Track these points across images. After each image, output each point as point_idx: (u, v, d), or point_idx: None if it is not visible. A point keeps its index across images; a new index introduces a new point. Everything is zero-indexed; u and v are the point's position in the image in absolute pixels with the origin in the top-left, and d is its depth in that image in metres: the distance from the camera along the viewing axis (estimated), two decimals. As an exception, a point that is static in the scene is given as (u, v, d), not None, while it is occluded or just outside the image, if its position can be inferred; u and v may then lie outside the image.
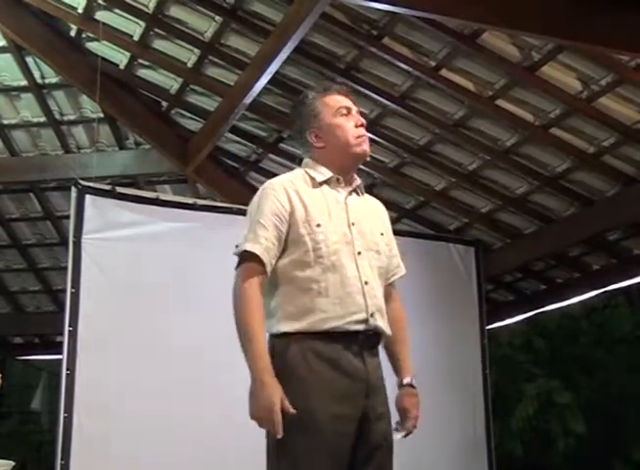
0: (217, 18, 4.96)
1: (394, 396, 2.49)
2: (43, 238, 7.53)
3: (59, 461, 4.31)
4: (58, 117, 6.36)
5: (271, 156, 6.10)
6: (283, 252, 2.36)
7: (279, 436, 2.15)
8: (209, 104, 5.74)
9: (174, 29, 5.18)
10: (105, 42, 5.52)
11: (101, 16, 5.29)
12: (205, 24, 5.05)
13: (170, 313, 4.73)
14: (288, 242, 2.36)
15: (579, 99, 4.51)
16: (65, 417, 4.35)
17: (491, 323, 6.32)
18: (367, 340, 2.34)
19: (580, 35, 3.74)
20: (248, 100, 4.92)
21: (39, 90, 6.16)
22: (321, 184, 2.45)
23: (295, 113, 2.59)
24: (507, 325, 7.18)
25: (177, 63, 5.45)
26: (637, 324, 9.77)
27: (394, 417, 2.45)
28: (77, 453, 4.33)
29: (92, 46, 5.70)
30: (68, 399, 4.38)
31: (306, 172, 2.48)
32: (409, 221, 6.17)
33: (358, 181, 2.53)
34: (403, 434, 2.46)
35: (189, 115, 6.02)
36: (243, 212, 5.48)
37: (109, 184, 5.14)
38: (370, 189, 5.38)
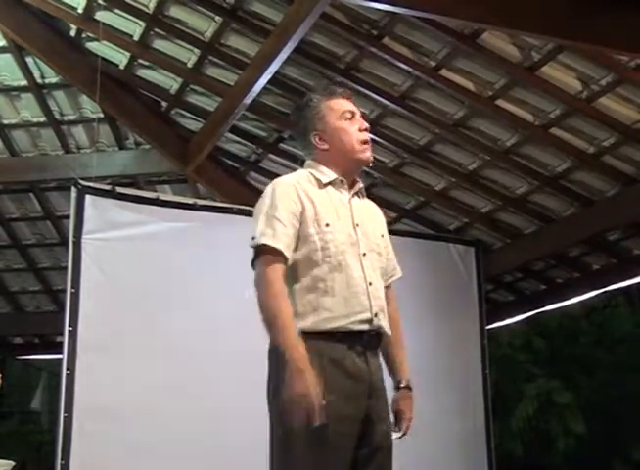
0: (217, 18, 4.96)
1: (390, 397, 2.50)
2: (43, 238, 7.53)
3: (59, 461, 4.31)
4: (58, 117, 6.36)
5: (271, 156, 6.10)
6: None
7: (316, 423, 2.12)
8: (209, 104, 5.74)
9: (174, 29, 5.18)
10: (105, 42, 5.52)
11: (101, 16, 5.29)
12: (205, 24, 5.05)
13: (170, 313, 4.73)
14: (298, 240, 2.36)
15: (579, 99, 4.51)
16: (65, 417, 4.35)
17: (491, 323, 6.32)
18: (370, 340, 2.36)
19: (580, 35, 3.74)
20: (248, 100, 4.92)
21: (39, 90, 6.16)
22: (326, 185, 2.46)
23: (298, 114, 2.60)
24: (507, 325, 7.18)
25: (177, 63, 5.44)
26: (637, 324, 9.78)
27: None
28: (77, 453, 4.33)
29: (92, 46, 5.70)
30: (68, 399, 4.38)
31: (311, 173, 2.48)
32: (409, 221, 6.17)
33: (361, 184, 2.55)
34: (400, 435, 2.48)
35: (189, 115, 6.02)
36: (243, 212, 5.54)
37: (109, 184, 5.14)
38: (370, 189, 5.38)
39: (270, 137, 5.91)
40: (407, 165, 5.64)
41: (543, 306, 6.57)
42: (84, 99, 6.13)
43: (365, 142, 2.50)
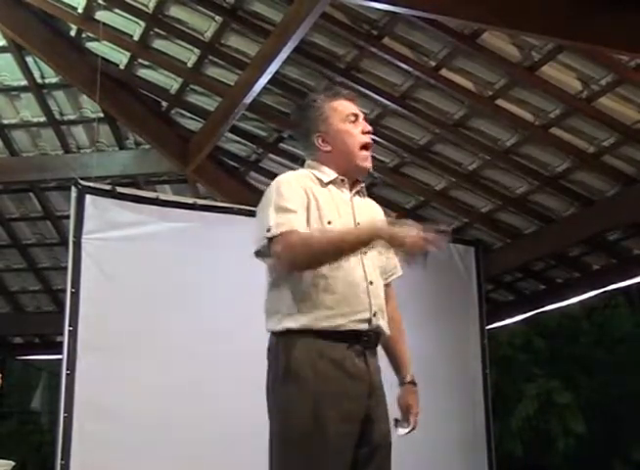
0: (217, 18, 4.96)
1: (395, 394, 2.52)
2: (43, 238, 7.53)
3: (59, 461, 4.31)
4: (58, 116, 6.36)
5: (271, 156, 6.10)
6: None
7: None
8: (209, 104, 5.74)
9: (174, 29, 5.18)
10: (105, 42, 5.52)
11: (101, 16, 5.29)
12: (205, 24, 5.05)
13: (170, 313, 4.73)
14: None
15: (579, 99, 4.51)
16: (65, 417, 4.35)
17: (491, 323, 6.32)
18: (369, 339, 2.36)
19: (580, 35, 3.74)
20: (248, 100, 4.92)
21: (39, 90, 6.16)
22: (327, 184, 2.46)
23: (300, 115, 2.59)
24: (507, 325, 7.18)
25: (177, 63, 5.45)
26: (637, 324, 9.78)
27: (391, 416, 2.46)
28: (77, 453, 4.33)
29: (92, 46, 5.70)
30: (67, 399, 4.38)
31: (312, 173, 2.48)
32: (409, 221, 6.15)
33: (362, 183, 2.55)
34: (408, 430, 2.49)
35: (189, 115, 6.02)
36: (243, 212, 5.54)
37: (109, 184, 5.14)
38: (370, 189, 5.37)
39: (270, 137, 5.91)
40: (407, 165, 5.64)
41: (543, 306, 6.57)
42: (84, 99, 6.14)
43: (367, 145, 2.50)
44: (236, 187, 6.25)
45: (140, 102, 5.99)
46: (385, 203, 5.72)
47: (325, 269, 2.32)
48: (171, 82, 5.76)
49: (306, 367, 2.26)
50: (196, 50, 5.28)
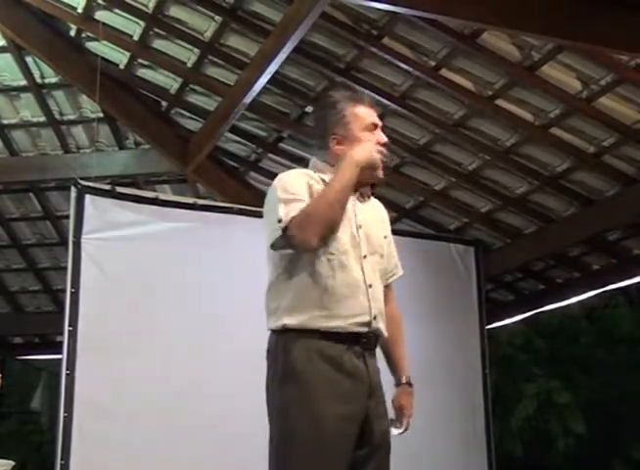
0: (217, 17, 4.96)
1: (391, 394, 2.52)
2: (43, 238, 7.53)
3: (59, 461, 4.31)
4: (58, 116, 6.36)
5: (271, 155, 6.10)
6: None
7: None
8: (209, 104, 5.74)
9: (174, 29, 5.18)
10: (105, 42, 5.52)
11: (101, 16, 5.28)
12: (205, 24, 5.05)
13: (170, 313, 4.73)
14: None
15: (579, 99, 4.51)
16: (65, 417, 4.35)
17: (491, 323, 6.32)
18: (368, 341, 2.36)
19: (580, 35, 3.74)
20: (247, 100, 4.92)
21: (39, 90, 6.16)
22: None
23: (320, 113, 2.56)
24: (507, 325, 7.18)
25: (177, 63, 5.44)
26: (637, 324, 9.78)
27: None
28: (77, 453, 4.33)
29: (92, 46, 5.70)
30: (67, 399, 4.38)
31: (316, 174, 2.44)
32: (409, 221, 6.17)
33: (366, 187, 2.52)
34: (401, 431, 2.50)
35: (189, 114, 6.02)
36: (243, 212, 5.53)
37: (108, 184, 5.14)
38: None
39: (270, 137, 5.91)
40: (407, 165, 5.64)
41: (543, 306, 6.57)
42: (84, 99, 6.13)
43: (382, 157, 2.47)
44: (236, 187, 6.25)
45: (140, 102, 5.99)
46: (385, 203, 5.68)
47: (325, 269, 2.31)
48: (171, 82, 5.76)
49: (306, 368, 2.25)
50: (196, 50, 5.28)
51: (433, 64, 4.60)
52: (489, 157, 5.27)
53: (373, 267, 2.41)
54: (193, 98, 5.84)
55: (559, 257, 6.02)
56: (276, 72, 4.67)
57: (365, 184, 2.49)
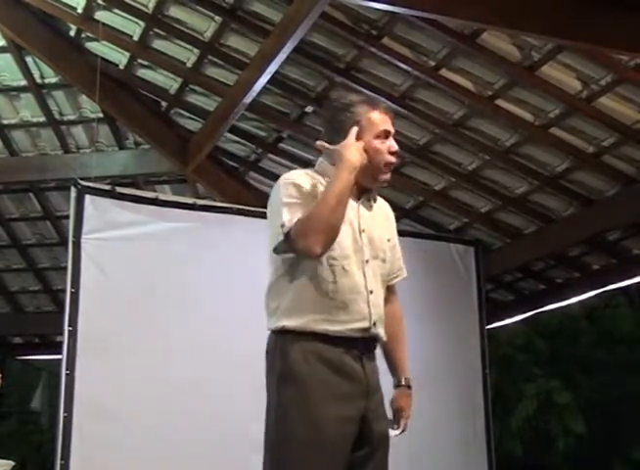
0: (217, 18, 4.96)
1: (389, 395, 2.51)
2: (43, 238, 7.53)
3: (59, 461, 4.32)
4: (57, 116, 6.36)
5: (271, 156, 6.09)
6: None
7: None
8: (209, 104, 5.74)
9: (174, 29, 5.18)
10: (104, 42, 5.52)
11: (100, 16, 5.28)
12: (205, 24, 5.05)
13: (170, 313, 4.73)
14: None
15: (579, 99, 4.51)
16: (65, 417, 4.35)
17: (491, 323, 6.32)
18: (367, 346, 2.36)
19: (580, 35, 3.74)
20: (247, 100, 4.92)
21: (39, 90, 6.16)
22: None
23: (333, 115, 2.51)
24: (507, 325, 7.18)
25: (177, 63, 5.44)
26: (637, 324, 9.78)
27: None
28: (77, 453, 4.33)
29: (92, 46, 5.70)
30: (67, 399, 4.38)
31: (320, 177, 2.41)
32: (409, 221, 6.16)
33: (371, 191, 2.50)
34: (398, 432, 2.50)
35: (188, 115, 6.02)
36: (242, 212, 5.53)
37: (108, 184, 5.14)
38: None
39: (270, 137, 5.91)
40: (407, 165, 5.64)
41: (543, 306, 6.57)
42: (84, 99, 6.13)
43: (391, 164, 2.46)
44: (235, 187, 6.25)
45: (140, 102, 5.99)
46: (384, 203, 5.73)
47: (326, 273, 2.30)
48: (171, 82, 5.76)
49: (304, 370, 2.25)
50: (195, 50, 5.28)
51: (432, 64, 4.60)
52: (489, 157, 5.27)
53: (374, 272, 2.40)
54: (193, 98, 5.84)
55: (559, 257, 6.02)
56: (276, 72, 4.67)
57: (368, 189, 2.48)
